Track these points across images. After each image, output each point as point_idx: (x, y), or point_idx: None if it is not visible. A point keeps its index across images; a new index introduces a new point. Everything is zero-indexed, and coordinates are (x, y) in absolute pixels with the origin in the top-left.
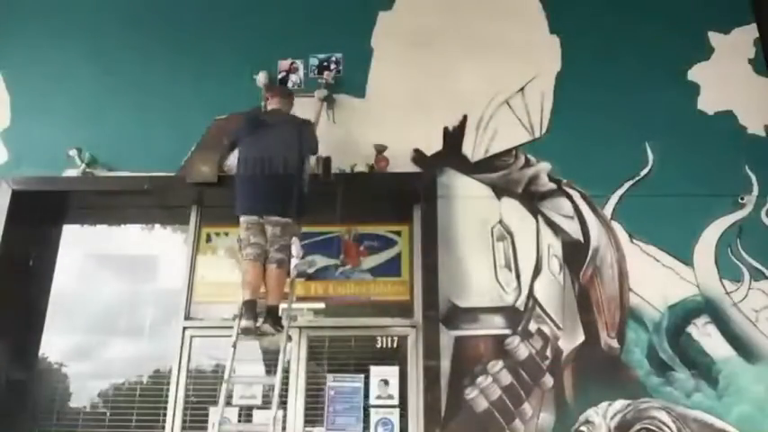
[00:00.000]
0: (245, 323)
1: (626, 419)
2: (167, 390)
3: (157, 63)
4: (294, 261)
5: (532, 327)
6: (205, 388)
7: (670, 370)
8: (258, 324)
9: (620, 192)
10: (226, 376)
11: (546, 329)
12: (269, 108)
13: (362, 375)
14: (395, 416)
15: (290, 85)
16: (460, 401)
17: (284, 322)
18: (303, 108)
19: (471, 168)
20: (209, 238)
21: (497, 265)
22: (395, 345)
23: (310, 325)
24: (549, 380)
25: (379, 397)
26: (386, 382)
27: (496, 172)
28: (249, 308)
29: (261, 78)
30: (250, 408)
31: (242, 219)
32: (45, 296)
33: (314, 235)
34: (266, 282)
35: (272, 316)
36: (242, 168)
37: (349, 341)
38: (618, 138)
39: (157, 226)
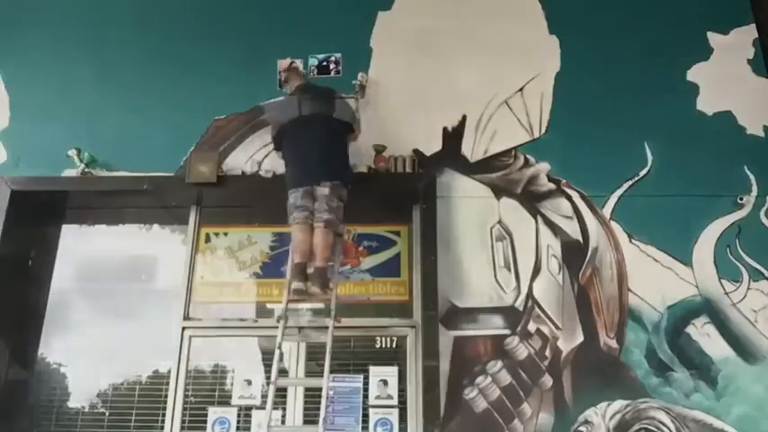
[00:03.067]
0: (296, 285)
1: (625, 420)
2: (166, 390)
3: (156, 63)
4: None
5: (531, 327)
6: (204, 388)
7: (669, 370)
8: (307, 287)
9: (619, 192)
10: (273, 377)
11: (545, 330)
12: (292, 86)
13: (362, 375)
14: (394, 416)
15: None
16: (460, 402)
17: (331, 284)
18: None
19: (470, 168)
20: (207, 238)
21: (496, 266)
22: (394, 345)
23: (309, 325)
24: (548, 380)
25: (378, 397)
26: (385, 383)
27: (496, 172)
28: (298, 270)
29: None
30: (249, 408)
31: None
32: (44, 296)
33: None
34: (313, 243)
35: (321, 277)
36: (290, 146)
37: (348, 341)
38: (617, 138)
39: (156, 226)
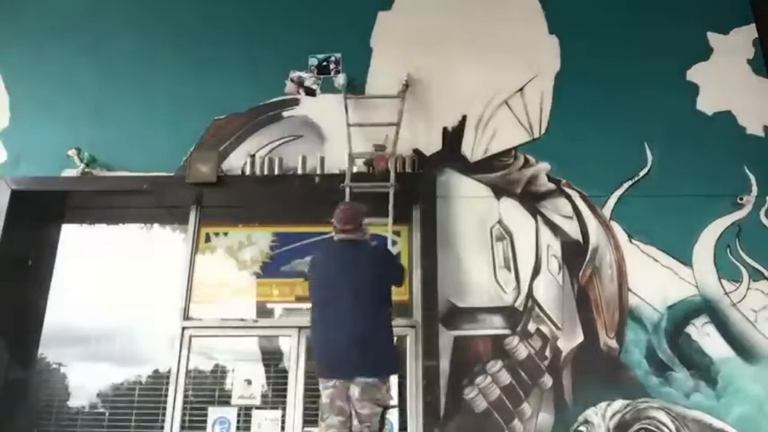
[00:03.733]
0: None
1: (625, 419)
2: (166, 390)
3: (157, 63)
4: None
5: (531, 327)
6: (204, 388)
7: (669, 370)
8: None
9: (619, 192)
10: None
11: (545, 329)
12: (338, 237)
13: None
14: (394, 416)
15: (308, 83)
16: (460, 401)
17: None
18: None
19: (471, 168)
20: (208, 238)
21: (496, 265)
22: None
23: (309, 325)
24: (548, 380)
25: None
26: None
27: (496, 172)
28: None
29: (340, 80)
30: (249, 408)
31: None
32: (44, 296)
33: (314, 235)
34: None
35: None
36: (321, 321)
37: None
38: (617, 138)
39: (156, 226)
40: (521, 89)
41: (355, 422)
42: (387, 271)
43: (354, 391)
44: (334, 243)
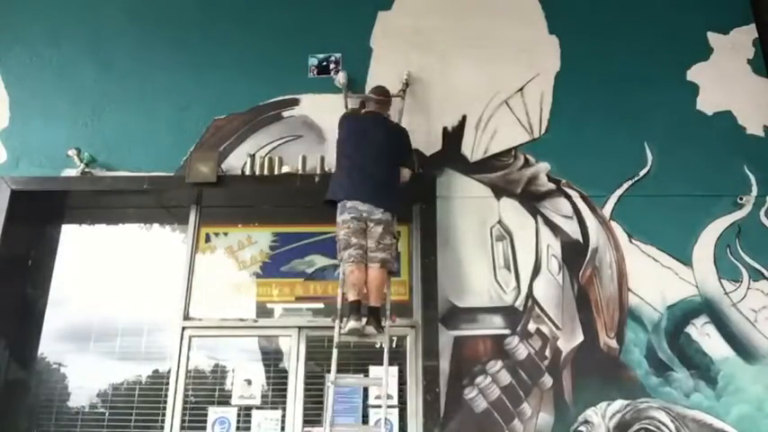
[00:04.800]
0: (352, 324)
1: (625, 419)
2: (166, 390)
3: (157, 63)
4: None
5: (531, 327)
6: (204, 388)
7: (669, 370)
8: (363, 327)
9: (619, 192)
10: (331, 378)
11: (545, 329)
12: (364, 110)
13: (361, 375)
14: (394, 416)
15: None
16: (459, 401)
17: (384, 322)
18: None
19: (470, 168)
20: (208, 238)
21: (496, 265)
22: (394, 345)
23: (309, 325)
24: (548, 380)
25: (378, 397)
26: None
27: (496, 172)
28: (355, 309)
29: (340, 78)
30: (249, 408)
31: (340, 218)
32: (44, 296)
33: (314, 235)
34: (368, 282)
35: (375, 317)
36: (346, 160)
37: (348, 341)
38: (617, 138)
39: (156, 226)
40: (521, 89)
41: (378, 254)
42: (402, 147)
43: (377, 228)
44: (361, 114)
